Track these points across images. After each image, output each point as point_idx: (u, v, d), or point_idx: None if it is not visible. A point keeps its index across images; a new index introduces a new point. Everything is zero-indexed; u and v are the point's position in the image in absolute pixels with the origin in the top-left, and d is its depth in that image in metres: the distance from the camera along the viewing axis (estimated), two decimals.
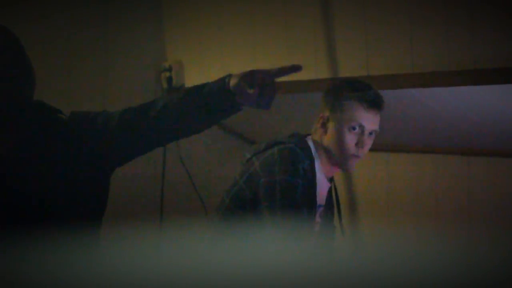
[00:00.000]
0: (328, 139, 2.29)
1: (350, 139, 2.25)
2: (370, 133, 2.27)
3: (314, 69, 2.96)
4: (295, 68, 1.64)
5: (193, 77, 3.63)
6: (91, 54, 3.67)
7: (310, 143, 2.31)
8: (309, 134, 2.35)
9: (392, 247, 2.88)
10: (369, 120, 2.27)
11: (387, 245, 2.91)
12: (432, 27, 2.55)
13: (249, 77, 1.63)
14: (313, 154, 2.29)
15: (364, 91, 2.28)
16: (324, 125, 2.30)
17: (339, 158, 2.28)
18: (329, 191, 2.39)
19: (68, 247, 1.60)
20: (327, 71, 2.90)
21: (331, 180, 2.39)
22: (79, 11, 3.60)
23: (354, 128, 2.25)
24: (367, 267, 2.60)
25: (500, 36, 2.35)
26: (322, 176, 2.31)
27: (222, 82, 1.67)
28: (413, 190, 3.07)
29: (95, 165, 1.70)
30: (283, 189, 2.15)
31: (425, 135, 3.05)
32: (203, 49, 3.57)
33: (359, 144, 2.25)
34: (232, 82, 1.65)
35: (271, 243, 2.10)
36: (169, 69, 3.68)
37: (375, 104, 2.27)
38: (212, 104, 1.67)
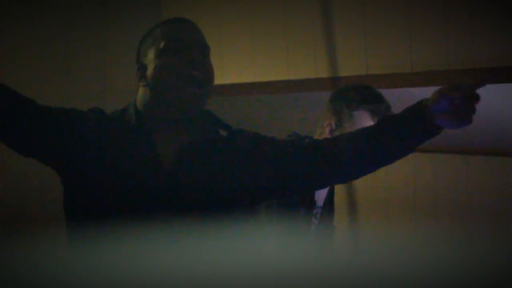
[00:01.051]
0: None
1: None
2: None
3: (314, 68, 2.96)
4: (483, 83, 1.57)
5: None
6: (90, 53, 3.67)
7: None
8: (308, 136, 2.34)
9: (391, 246, 2.88)
10: None
11: (386, 244, 2.91)
12: (431, 26, 2.55)
13: (448, 95, 1.51)
14: None
15: (377, 104, 2.25)
16: (331, 133, 2.28)
17: None
18: (329, 193, 2.39)
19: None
20: (326, 70, 2.90)
21: None
22: (78, 11, 3.60)
23: None
24: (367, 266, 2.61)
25: (499, 35, 2.35)
26: None
27: (419, 106, 1.57)
28: (412, 189, 3.07)
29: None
30: None
31: None
32: None
33: None
34: (431, 103, 1.53)
35: (268, 243, 2.10)
36: None
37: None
38: (408, 132, 1.57)
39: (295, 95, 3.17)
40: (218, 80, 3.57)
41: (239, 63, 3.30)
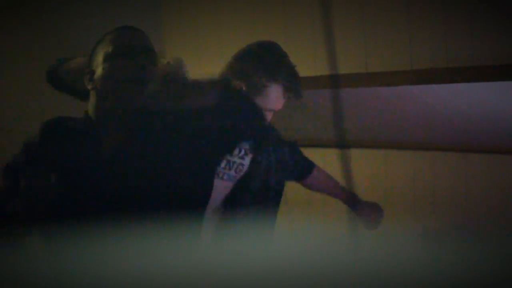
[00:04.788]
0: None
1: None
2: None
3: (313, 67, 2.97)
4: None
5: (192, 76, 3.63)
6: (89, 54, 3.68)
7: None
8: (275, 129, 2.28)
9: (390, 244, 2.89)
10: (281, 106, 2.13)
11: (386, 242, 2.92)
12: (430, 24, 2.55)
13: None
14: None
15: (293, 82, 2.11)
16: None
17: None
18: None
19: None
20: (326, 69, 2.90)
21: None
22: (77, 12, 3.60)
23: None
24: (366, 264, 2.61)
25: (498, 34, 2.35)
26: None
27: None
28: (411, 187, 3.07)
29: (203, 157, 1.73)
30: None
31: (423, 132, 3.05)
32: (202, 47, 3.57)
33: None
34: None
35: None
36: None
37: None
38: None
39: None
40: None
41: None
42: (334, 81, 2.88)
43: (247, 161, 2.16)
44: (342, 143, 3.35)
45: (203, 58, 3.58)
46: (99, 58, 1.72)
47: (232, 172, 2.14)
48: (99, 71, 1.70)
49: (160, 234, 1.62)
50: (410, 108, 2.89)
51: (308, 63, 2.97)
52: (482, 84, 2.45)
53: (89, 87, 1.72)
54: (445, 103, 2.76)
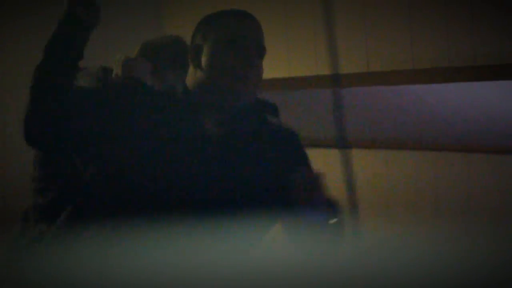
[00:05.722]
0: None
1: None
2: None
3: (315, 66, 2.96)
4: None
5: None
6: (90, 53, 3.66)
7: None
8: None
9: (392, 245, 2.88)
10: None
11: (387, 243, 2.91)
12: (432, 23, 2.54)
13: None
14: None
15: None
16: None
17: None
18: None
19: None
20: (327, 68, 2.89)
21: None
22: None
23: None
24: (367, 265, 2.60)
25: (500, 33, 2.34)
26: None
27: None
28: (413, 187, 3.07)
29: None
30: None
31: (425, 132, 3.05)
32: None
33: None
34: None
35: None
36: None
37: None
38: None
39: (296, 92, 3.16)
40: None
41: None
42: (335, 81, 2.87)
43: None
44: (343, 143, 3.34)
45: None
46: (210, 39, 1.65)
47: None
48: (207, 54, 1.64)
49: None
50: (412, 107, 2.88)
51: (309, 62, 2.96)
52: (484, 83, 2.44)
53: (193, 64, 1.66)
54: (446, 102, 2.75)
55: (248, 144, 1.67)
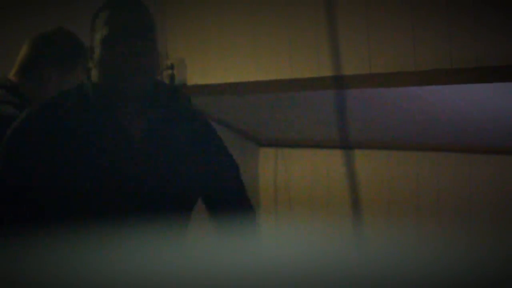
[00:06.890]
0: None
1: None
2: None
3: (317, 67, 2.96)
4: None
5: (195, 75, 3.63)
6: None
7: None
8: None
9: (393, 245, 2.88)
10: None
11: (389, 243, 2.91)
12: (434, 24, 2.55)
13: None
14: None
15: None
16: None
17: None
18: None
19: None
20: (329, 69, 2.90)
21: None
22: (78, 9, 3.60)
23: None
24: (369, 266, 2.61)
25: (502, 34, 2.35)
26: None
27: None
28: (414, 188, 3.07)
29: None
30: None
31: (427, 133, 3.05)
32: (205, 48, 3.57)
33: None
34: None
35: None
36: (171, 67, 3.68)
37: None
38: None
39: (297, 94, 3.16)
40: (221, 79, 3.57)
41: (241, 62, 3.30)
42: (338, 82, 2.88)
43: None
44: (345, 144, 3.35)
45: (206, 57, 3.59)
46: (96, 38, 1.68)
47: None
48: (97, 53, 1.67)
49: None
50: (414, 109, 2.88)
51: (311, 64, 2.96)
52: (487, 85, 2.44)
53: (90, 65, 1.69)
54: (449, 104, 2.76)
55: (168, 132, 1.70)
